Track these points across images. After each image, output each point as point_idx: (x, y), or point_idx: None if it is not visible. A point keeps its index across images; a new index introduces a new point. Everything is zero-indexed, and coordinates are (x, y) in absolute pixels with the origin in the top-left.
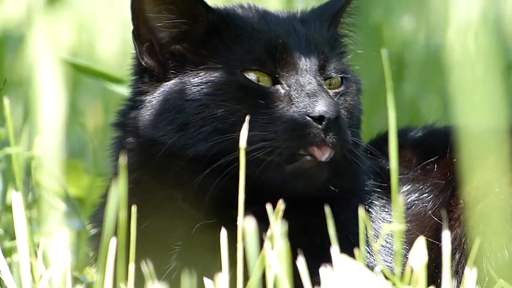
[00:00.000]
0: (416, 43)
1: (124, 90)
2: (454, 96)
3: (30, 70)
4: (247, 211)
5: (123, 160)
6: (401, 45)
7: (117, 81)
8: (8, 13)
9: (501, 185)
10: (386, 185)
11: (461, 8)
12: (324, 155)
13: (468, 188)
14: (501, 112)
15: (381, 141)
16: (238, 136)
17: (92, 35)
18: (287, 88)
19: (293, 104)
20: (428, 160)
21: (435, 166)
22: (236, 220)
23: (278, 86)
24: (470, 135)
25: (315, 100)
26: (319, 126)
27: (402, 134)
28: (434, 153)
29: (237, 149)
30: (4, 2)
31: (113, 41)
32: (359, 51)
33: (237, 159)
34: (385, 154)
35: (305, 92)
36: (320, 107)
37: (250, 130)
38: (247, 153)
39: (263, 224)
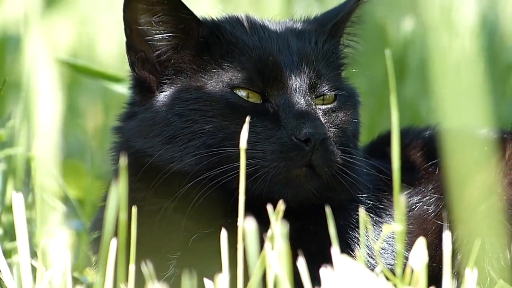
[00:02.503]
0: (416, 44)
1: (123, 89)
2: (449, 97)
3: (27, 71)
4: (235, 222)
5: (123, 161)
6: (401, 46)
7: (116, 79)
8: (8, 13)
9: (503, 187)
10: (386, 188)
11: (460, 10)
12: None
13: (470, 188)
14: (498, 113)
15: (383, 142)
16: (226, 152)
17: (92, 35)
18: (276, 108)
19: (281, 124)
20: (430, 162)
21: (438, 168)
22: (226, 230)
23: (267, 104)
24: (469, 136)
25: (302, 122)
26: (306, 148)
27: (404, 134)
28: (436, 155)
29: (224, 164)
30: (4, 3)
31: (113, 42)
32: (362, 52)
33: (222, 173)
34: (387, 155)
35: (293, 113)
36: (307, 129)
37: (238, 146)
38: (234, 169)
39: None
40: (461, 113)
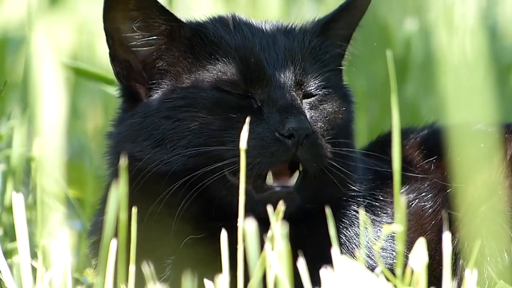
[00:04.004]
0: (417, 45)
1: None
2: (451, 96)
3: (30, 72)
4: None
5: (123, 162)
6: (403, 47)
7: (115, 83)
8: (8, 14)
9: (504, 188)
10: (383, 186)
11: (459, 10)
12: (292, 178)
13: (471, 189)
14: (498, 112)
15: (382, 142)
16: (212, 151)
17: (93, 37)
18: (259, 104)
19: (264, 120)
20: (428, 160)
21: (434, 165)
22: (216, 234)
23: (252, 101)
24: (468, 133)
25: (285, 117)
26: (288, 143)
27: (403, 134)
28: (434, 153)
29: (210, 163)
30: (4, 3)
31: None
32: (364, 52)
33: (208, 174)
34: (387, 156)
35: (277, 108)
36: (290, 124)
37: (222, 144)
38: (217, 169)
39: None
40: (464, 112)
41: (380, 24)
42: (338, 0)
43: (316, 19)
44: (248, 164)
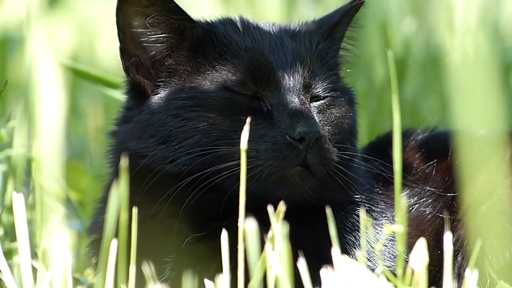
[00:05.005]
0: (417, 45)
1: (122, 96)
2: (454, 98)
3: (29, 72)
4: (229, 224)
5: (124, 162)
6: (402, 47)
7: (115, 86)
8: (9, 14)
9: (504, 188)
10: (384, 190)
11: (460, 10)
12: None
13: (471, 189)
14: (501, 114)
15: (382, 143)
16: (220, 151)
17: (93, 37)
18: (269, 107)
19: (274, 123)
20: (428, 164)
21: (435, 170)
22: (216, 234)
23: (261, 103)
24: (470, 138)
25: (296, 121)
26: (300, 147)
27: (403, 136)
28: (434, 157)
29: (217, 163)
30: (4, 3)
31: (114, 44)
32: (363, 52)
33: (216, 173)
34: (388, 157)
35: (287, 112)
36: (301, 128)
37: (232, 145)
38: (227, 169)
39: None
40: (467, 112)
41: (380, 24)
42: (336, 0)
43: (318, 19)
44: (258, 166)
